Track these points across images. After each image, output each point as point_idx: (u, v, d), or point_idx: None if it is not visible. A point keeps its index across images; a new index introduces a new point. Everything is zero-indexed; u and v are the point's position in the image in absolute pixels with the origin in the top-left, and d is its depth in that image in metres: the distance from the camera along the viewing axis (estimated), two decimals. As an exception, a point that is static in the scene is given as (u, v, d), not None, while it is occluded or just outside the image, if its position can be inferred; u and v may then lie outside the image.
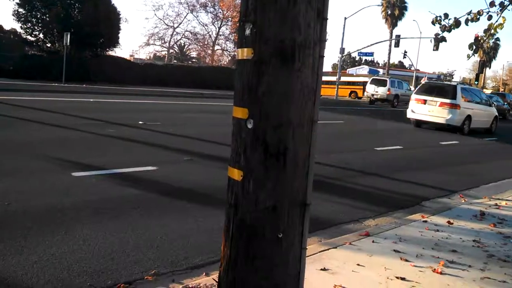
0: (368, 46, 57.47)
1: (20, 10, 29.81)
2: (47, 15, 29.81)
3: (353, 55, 73.78)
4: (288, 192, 2.37)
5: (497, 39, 73.47)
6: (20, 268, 3.34)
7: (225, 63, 60.11)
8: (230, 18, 55.04)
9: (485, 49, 73.57)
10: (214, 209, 5.15)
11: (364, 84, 51.80)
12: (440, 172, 8.92)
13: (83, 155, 7.10)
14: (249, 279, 2.40)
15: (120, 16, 33.70)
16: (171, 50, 64.94)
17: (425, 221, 5.38)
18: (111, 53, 34.79)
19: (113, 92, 22.55)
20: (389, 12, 61.73)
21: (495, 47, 75.29)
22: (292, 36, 2.24)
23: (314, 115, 2.42)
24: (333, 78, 51.89)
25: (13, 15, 29.94)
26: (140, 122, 11.38)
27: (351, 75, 67.10)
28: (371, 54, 63.03)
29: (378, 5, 58.90)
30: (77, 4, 30.31)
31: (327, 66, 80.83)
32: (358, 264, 3.83)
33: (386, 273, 3.72)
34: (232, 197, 2.45)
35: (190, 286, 3.23)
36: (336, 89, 45.77)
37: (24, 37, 31.42)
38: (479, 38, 5.73)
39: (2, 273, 3.24)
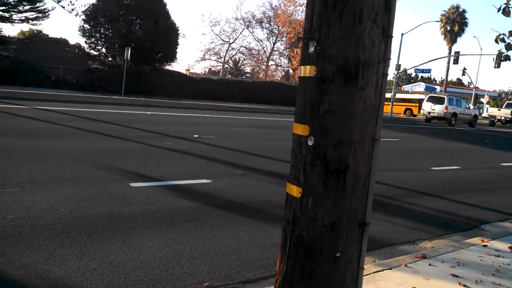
0: (425, 62, 56.09)
1: (86, 25, 31.30)
2: (110, 31, 31.13)
3: (409, 71, 72.37)
4: (347, 210, 2.34)
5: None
6: (80, 274, 3.46)
7: (279, 78, 60.45)
8: (285, 34, 55.39)
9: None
10: (266, 224, 5.17)
11: (419, 101, 50.58)
12: (501, 195, 8.54)
13: (141, 166, 7.30)
14: (305, 296, 2.38)
15: (179, 32, 34.66)
16: (226, 65, 66.03)
17: (485, 246, 5.15)
18: (168, 67, 35.83)
19: (169, 105, 23.14)
20: (448, 28, 60.29)
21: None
22: (356, 54, 2.23)
23: (375, 133, 2.38)
24: (388, 95, 51.00)
25: (78, 30, 31.52)
26: (195, 136, 11.59)
27: (407, 92, 65.74)
28: (428, 71, 61.57)
29: (437, 21, 57.81)
30: (138, 20, 31.48)
31: (381, 83, 79.21)
32: (414, 287, 3.72)
33: (444, 298, 3.59)
34: (290, 213, 2.44)
35: (244, 300, 3.23)
36: (391, 106, 44.99)
37: (88, 51, 32.89)
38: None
39: (63, 278, 3.36)
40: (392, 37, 2.38)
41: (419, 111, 49.84)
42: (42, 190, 5.36)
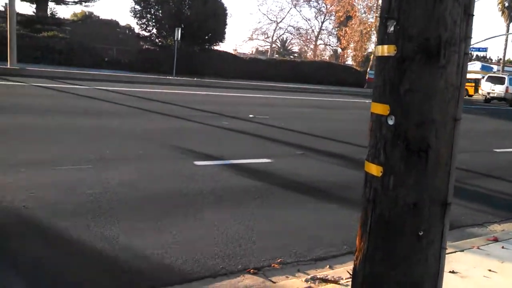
0: (482, 41, 53.74)
1: (137, 7, 31.83)
2: (160, 12, 31.57)
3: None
4: (429, 190, 2.36)
5: None
6: (159, 247, 3.65)
7: (327, 58, 59.63)
8: (333, 13, 54.37)
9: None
10: (330, 203, 5.23)
11: (475, 81, 48.68)
12: None
13: (202, 145, 7.50)
14: (387, 274, 2.43)
15: (227, 12, 34.70)
16: (273, 45, 65.75)
17: None
18: (217, 47, 36.05)
19: (220, 85, 23.39)
20: (507, 4, 57.33)
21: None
22: (437, 33, 2.22)
23: (457, 113, 2.38)
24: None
25: (130, 11, 32.12)
26: (251, 116, 11.72)
27: (462, 71, 63.19)
28: (485, 49, 59.03)
29: (496, -3, 55.12)
30: (187, 1, 31.67)
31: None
32: (489, 270, 3.67)
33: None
34: (370, 192, 2.48)
35: (318, 276, 3.32)
36: (444, 86, 43.37)
37: (139, 32, 33.53)
38: None
39: (144, 251, 3.56)
40: (473, 15, 2.36)
41: (475, 91, 48.02)
42: (113, 167, 5.63)
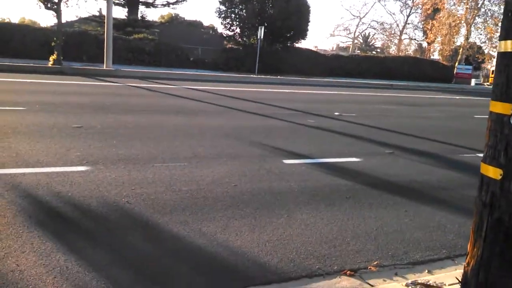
0: None
1: (221, 7, 32.52)
2: (244, 11, 32.00)
3: None
4: (552, 195, 2.19)
5: None
6: (255, 245, 3.67)
7: (411, 52, 57.56)
8: (420, 5, 52.36)
9: None
10: (425, 205, 5.01)
11: None
12: None
13: (290, 143, 7.49)
14: (503, 282, 2.29)
15: (310, 9, 34.43)
16: (355, 41, 64.59)
17: None
18: (299, 45, 35.89)
19: (303, 83, 23.33)
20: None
21: None
22: None
23: None
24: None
25: (215, 12, 32.95)
26: (336, 113, 11.57)
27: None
28: None
29: None
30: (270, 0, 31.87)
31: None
32: None
33: None
34: (487, 196, 2.34)
35: (419, 281, 3.19)
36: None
37: (223, 31, 34.25)
38: None
39: (241, 248, 3.59)
40: None
41: None
42: (206, 165, 5.76)
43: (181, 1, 36.07)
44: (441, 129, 10.72)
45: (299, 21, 32.22)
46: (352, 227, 4.23)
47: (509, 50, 2.22)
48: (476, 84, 43.06)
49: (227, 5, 32.29)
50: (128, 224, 3.87)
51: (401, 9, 57.51)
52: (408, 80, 32.94)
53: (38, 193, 4.36)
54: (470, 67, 42.87)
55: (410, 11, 57.11)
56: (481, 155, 5.80)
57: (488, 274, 2.33)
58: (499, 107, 2.27)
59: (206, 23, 44.60)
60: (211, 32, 44.57)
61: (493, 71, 50.68)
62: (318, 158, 6.57)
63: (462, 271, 3.42)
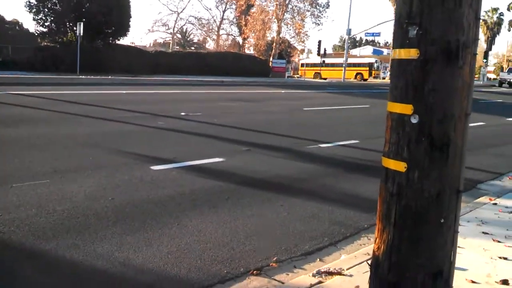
0: (375, 26, 56.97)
1: (32, 0, 29.70)
2: (58, 6, 29.70)
3: (358, 36, 73.32)
4: (449, 180, 2.56)
5: (501, 13, 72.92)
6: (158, 258, 3.57)
7: (226, 47, 59.86)
8: (234, 1, 54.81)
9: (489, 25, 73.19)
10: (294, 197, 5.37)
11: (369, 65, 51.52)
12: (479, 154, 8.86)
13: (150, 148, 7.34)
14: (413, 261, 2.61)
15: (130, 3, 33.36)
16: (174, 36, 64.89)
17: (495, 204, 5.53)
18: (121, 41, 34.64)
19: (134, 83, 22.84)
20: (393, -11, 61.37)
21: (499, 23, 74.68)
22: (456, 36, 2.42)
23: (468, 108, 2.60)
24: (339, 60, 51.68)
25: (24, 6, 29.97)
26: (182, 113, 11.61)
27: (355, 56, 66.55)
28: (378, 34, 62.53)
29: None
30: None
31: (328, 48, 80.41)
32: (459, 246, 4.02)
33: (486, 254, 3.92)
34: (393, 186, 2.63)
35: (322, 270, 3.44)
36: (343, 71, 45.59)
37: (35, 28, 31.40)
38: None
39: (145, 264, 3.47)
40: (480, 19, 2.58)
41: (369, 75, 50.84)
42: (71, 180, 5.36)
43: None
44: (282, 123, 11.48)
45: (120, 17, 31.06)
46: (242, 227, 4.36)
47: (403, 57, 2.53)
48: (288, 77, 46.70)
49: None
50: (11, 256, 3.45)
51: (217, 5, 59.28)
52: (230, 75, 34.30)
53: None
54: (284, 61, 46.35)
55: (226, 7, 59.39)
56: (323, 145, 6.43)
57: (400, 255, 2.64)
58: (399, 108, 2.57)
59: (8, 17, 40.02)
60: (16, 28, 40.46)
61: (302, 64, 55.76)
62: (183, 162, 6.55)
63: (346, 256, 3.81)
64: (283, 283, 3.37)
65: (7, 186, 5.00)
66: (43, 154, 6.51)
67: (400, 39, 2.55)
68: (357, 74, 51.01)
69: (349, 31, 45.10)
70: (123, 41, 35.75)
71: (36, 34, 31.57)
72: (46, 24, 30.58)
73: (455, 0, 2.40)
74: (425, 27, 2.43)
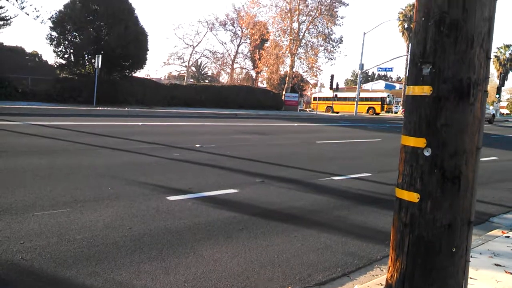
0: (388, 61, 57.52)
1: (53, 33, 30.47)
2: (78, 39, 30.43)
3: (371, 70, 73.91)
4: (460, 211, 2.65)
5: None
6: (175, 287, 3.65)
7: (239, 81, 60.61)
8: (249, 36, 55.83)
9: (502, 61, 73.58)
10: (308, 228, 5.44)
11: (382, 99, 51.75)
12: (492, 188, 8.90)
13: (166, 179, 7.47)
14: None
15: (148, 37, 34.13)
16: (189, 69, 65.96)
17: (508, 237, 5.58)
18: (137, 74, 35.31)
19: (150, 115, 23.18)
20: (406, 26, 62.22)
21: (511, 59, 75.24)
22: (468, 75, 2.55)
23: (479, 143, 2.71)
24: (351, 95, 52.06)
25: (46, 38, 30.68)
26: (197, 145, 11.78)
27: (367, 90, 66.93)
28: (391, 69, 63.04)
29: (396, 19, 59.63)
30: (107, 26, 30.61)
31: (340, 82, 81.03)
32: (471, 277, 4.05)
33: (499, 285, 3.94)
34: (406, 217, 2.73)
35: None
36: (355, 105, 45.88)
37: (55, 60, 32.09)
38: None
39: (162, 291, 3.55)
40: (491, 58, 2.71)
41: (381, 109, 51.01)
42: (91, 209, 5.49)
43: (3, 25, 32.50)
44: (295, 156, 11.59)
45: (137, 50, 31.71)
46: (256, 257, 4.43)
47: (417, 94, 2.66)
48: (300, 110, 47.04)
49: (59, 31, 30.39)
50: (34, 282, 3.55)
51: (232, 39, 60.40)
52: (244, 108, 34.70)
53: None
54: (296, 95, 46.80)
55: (240, 41, 60.45)
56: (336, 178, 6.55)
57: (412, 283, 2.71)
58: (412, 141, 2.68)
59: (28, 49, 40.96)
60: (36, 59, 41.46)
61: (314, 97, 56.22)
62: (199, 193, 6.67)
63: (360, 286, 3.85)
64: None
65: (29, 214, 5.14)
66: (63, 183, 6.66)
67: (414, 77, 2.69)
68: (369, 108, 51.24)
69: (361, 66, 45.57)
70: (139, 73, 36.54)
71: (56, 66, 32.23)
72: (66, 56, 31.17)
73: (467, 41, 2.54)
74: (438, 65, 2.57)
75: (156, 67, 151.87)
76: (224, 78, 64.67)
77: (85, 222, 4.98)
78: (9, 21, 31.43)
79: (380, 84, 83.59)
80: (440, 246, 2.66)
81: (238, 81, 59.23)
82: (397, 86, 75.85)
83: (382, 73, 77.99)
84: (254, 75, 60.54)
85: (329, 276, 4.17)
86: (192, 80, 62.68)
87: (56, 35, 30.51)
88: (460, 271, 2.74)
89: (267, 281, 3.93)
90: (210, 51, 62.69)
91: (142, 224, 5.08)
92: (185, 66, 63.35)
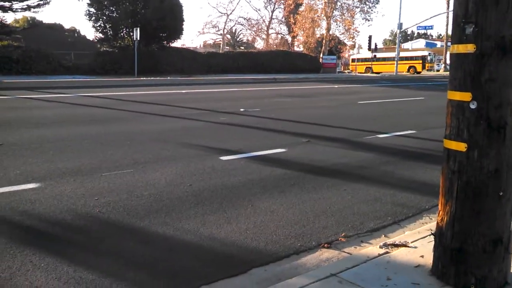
0: (427, 19, 55.65)
1: (91, 9, 31.27)
2: (115, 13, 31.13)
3: (410, 29, 71.78)
4: (506, 158, 2.86)
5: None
6: (238, 234, 4.03)
7: (275, 46, 60.09)
8: (282, 1, 55.10)
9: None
10: (356, 183, 5.70)
11: (422, 58, 50.47)
12: None
13: (216, 141, 7.87)
14: (474, 229, 2.93)
15: (183, 8, 34.50)
16: (224, 37, 65.87)
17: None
18: (174, 44, 35.85)
19: (191, 83, 23.63)
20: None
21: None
22: (510, 32, 2.72)
23: (522, 95, 2.89)
24: (391, 55, 50.95)
25: (85, 15, 31.54)
26: (242, 109, 12.14)
27: (407, 49, 65.20)
28: (431, 27, 60.97)
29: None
30: (142, 0, 31.14)
31: (378, 43, 79.26)
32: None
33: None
34: (455, 164, 2.96)
35: (388, 243, 3.79)
36: (395, 65, 44.98)
37: (95, 34, 33.00)
38: None
39: (227, 238, 3.93)
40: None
41: (423, 68, 49.80)
42: (152, 169, 5.93)
43: (43, 4, 33.27)
44: (337, 116, 11.78)
45: (173, 21, 32.20)
46: (310, 208, 4.76)
47: (461, 51, 2.85)
48: (338, 72, 46.51)
49: (96, 7, 31.16)
50: (113, 231, 4.00)
51: (265, 5, 59.82)
52: (282, 72, 34.70)
53: (4, 214, 4.27)
54: (334, 57, 46.24)
55: (274, 7, 59.72)
56: (381, 136, 6.79)
57: (462, 224, 2.96)
58: (458, 96, 2.89)
59: (66, 25, 42.16)
60: (75, 35, 42.60)
61: (352, 59, 55.47)
62: (249, 152, 7.03)
63: (410, 231, 4.13)
64: (351, 254, 3.75)
65: (98, 175, 5.63)
66: (122, 148, 7.15)
67: (458, 36, 2.88)
68: (410, 67, 50.18)
69: (400, 25, 44.45)
70: (176, 43, 36.98)
71: (96, 40, 33.13)
72: (104, 30, 32.09)
73: (508, 1, 2.70)
74: (481, 25, 2.75)
75: (192, 36, 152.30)
76: (259, 44, 64.39)
77: (149, 181, 5.43)
78: (48, 0, 32.15)
79: (420, 43, 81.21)
80: (487, 191, 2.88)
81: (274, 46, 58.73)
82: (438, 44, 73.52)
83: (422, 31, 75.51)
84: (290, 39, 59.90)
85: (380, 224, 4.45)
86: (228, 47, 62.68)
87: (94, 11, 31.29)
88: (508, 213, 2.96)
89: (322, 228, 4.26)
90: (245, 18, 62.46)
91: (200, 181, 5.49)
92: (220, 34, 63.22)
